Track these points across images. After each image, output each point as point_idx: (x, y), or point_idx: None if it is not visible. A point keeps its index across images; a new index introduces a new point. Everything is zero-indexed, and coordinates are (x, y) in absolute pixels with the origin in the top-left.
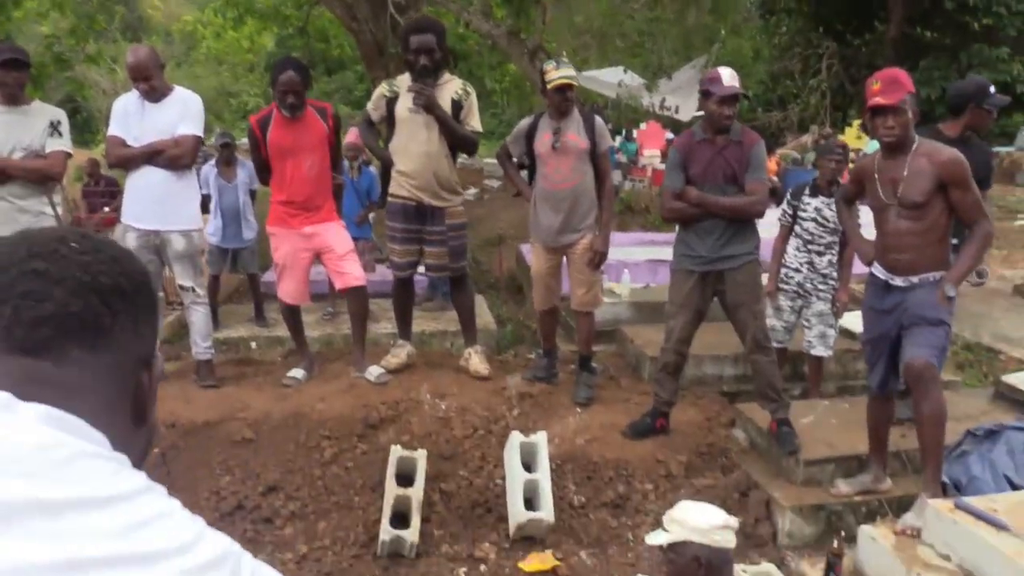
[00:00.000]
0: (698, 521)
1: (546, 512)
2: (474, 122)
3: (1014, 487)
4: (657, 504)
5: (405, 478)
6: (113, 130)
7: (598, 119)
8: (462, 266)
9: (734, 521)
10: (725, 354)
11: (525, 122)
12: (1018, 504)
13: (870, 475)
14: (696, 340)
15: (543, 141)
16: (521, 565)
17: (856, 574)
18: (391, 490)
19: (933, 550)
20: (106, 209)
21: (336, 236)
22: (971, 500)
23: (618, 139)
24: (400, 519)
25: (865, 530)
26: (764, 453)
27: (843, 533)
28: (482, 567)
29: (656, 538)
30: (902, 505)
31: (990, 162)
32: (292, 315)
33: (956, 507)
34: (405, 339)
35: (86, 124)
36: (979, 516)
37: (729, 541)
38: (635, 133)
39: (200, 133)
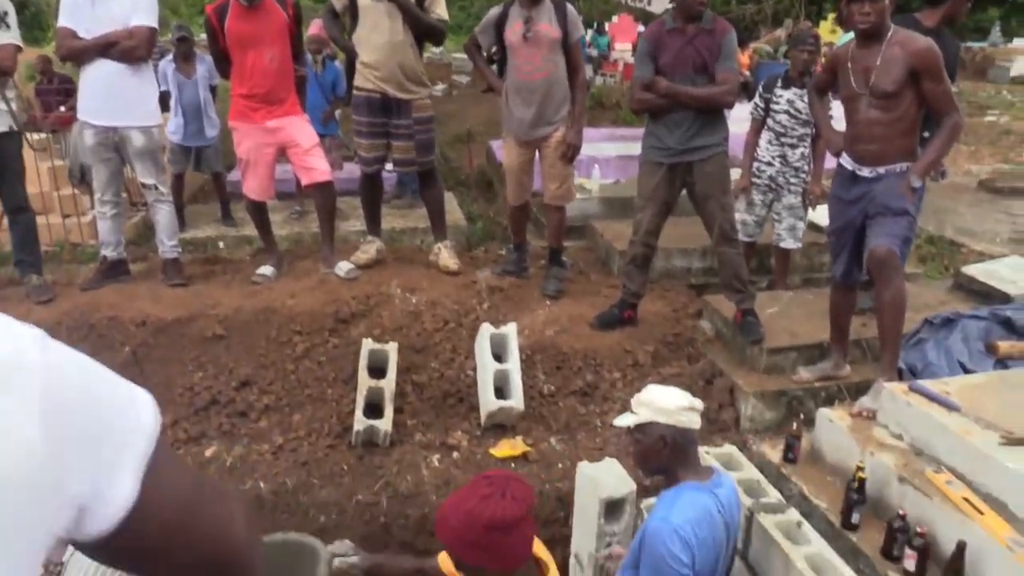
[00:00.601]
0: (664, 402)
1: (516, 400)
2: (439, 10)
3: (967, 372)
4: (624, 392)
5: (377, 370)
6: (63, 22)
7: (570, 8)
8: (430, 160)
9: (699, 403)
10: (693, 247)
11: (495, 11)
12: (970, 387)
13: (830, 362)
14: (664, 233)
15: (514, 30)
16: (492, 451)
17: (813, 454)
18: (363, 382)
19: (887, 430)
20: (61, 108)
21: (300, 130)
22: (925, 383)
23: (589, 32)
24: (373, 410)
25: (823, 413)
26: (729, 342)
27: (802, 416)
28: (455, 454)
29: (624, 420)
30: (860, 390)
31: (957, 55)
32: (259, 212)
33: (910, 389)
34: (374, 235)
35: (35, 20)
36: (932, 398)
37: (693, 422)
38: (607, 27)
39: (154, 24)
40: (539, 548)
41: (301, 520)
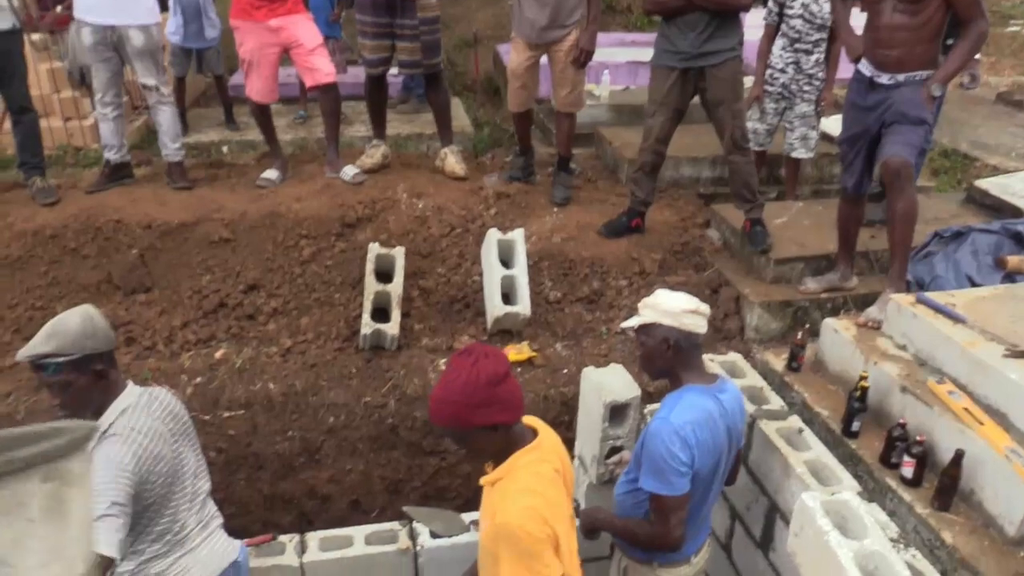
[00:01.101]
0: (669, 304)
1: (523, 306)
2: None
3: (975, 286)
4: (630, 299)
5: (384, 275)
6: None
7: None
8: (436, 63)
9: (705, 308)
10: (703, 156)
11: None
12: (976, 300)
13: (837, 273)
14: (674, 142)
15: None
16: None
17: (817, 363)
18: (370, 286)
19: (892, 341)
20: (59, 8)
21: (304, 29)
22: (932, 295)
23: None
24: (380, 314)
25: (828, 322)
26: (736, 252)
27: (807, 326)
28: None
29: (631, 321)
30: (866, 302)
31: None
32: (262, 114)
33: (917, 301)
34: (380, 139)
35: None
36: (938, 309)
37: (698, 326)
38: None
39: None
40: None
41: (311, 420)
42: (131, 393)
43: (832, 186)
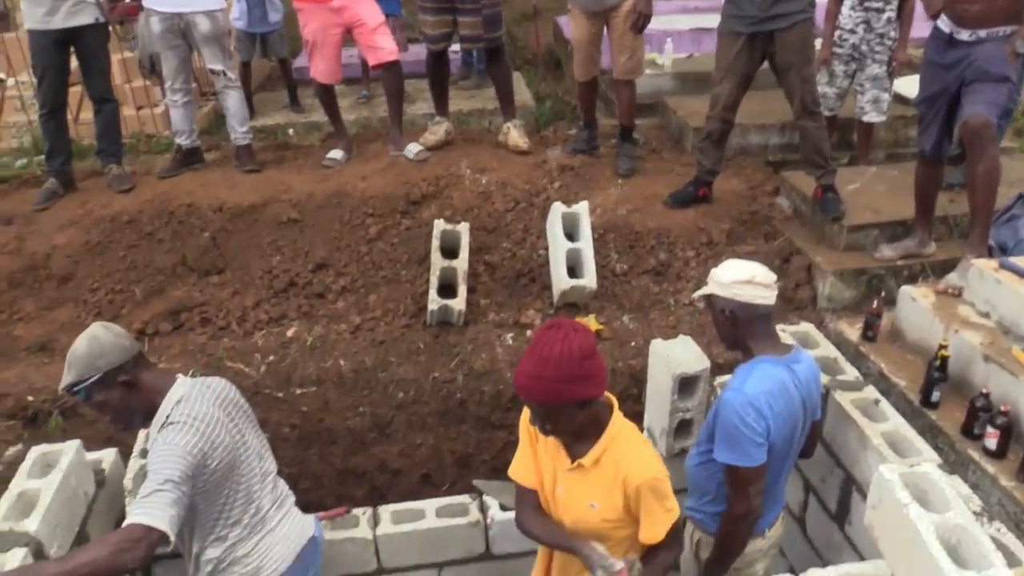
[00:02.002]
0: (721, 275)
1: (589, 279)
2: None
3: None
4: (698, 271)
5: (449, 251)
6: None
7: None
8: (497, 36)
9: (762, 277)
10: (771, 123)
11: None
12: None
13: (914, 240)
14: (742, 109)
15: None
16: None
17: (894, 333)
18: (436, 262)
19: (973, 308)
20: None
21: (366, 8)
22: (1015, 259)
23: None
24: (447, 290)
25: (906, 290)
26: (807, 220)
27: (883, 294)
28: (528, 332)
29: (697, 293)
30: (945, 269)
31: None
32: (327, 95)
33: (1000, 266)
34: (442, 116)
35: None
36: (1022, 275)
37: (755, 297)
38: None
39: None
40: None
41: (381, 396)
42: (182, 384)
43: (908, 150)
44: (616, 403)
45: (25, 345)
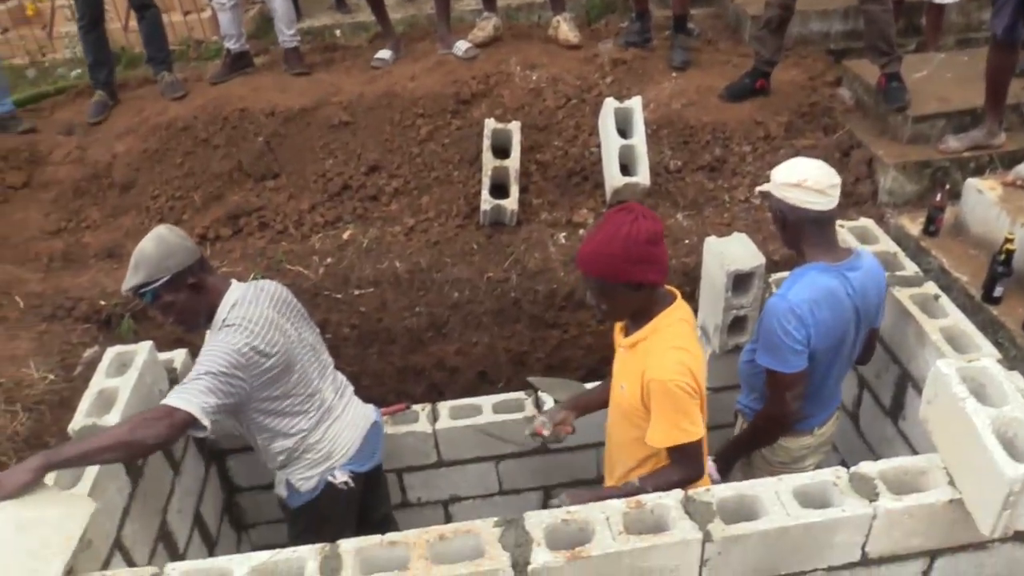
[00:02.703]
0: (777, 175)
1: (642, 176)
2: None
3: None
4: (754, 166)
5: (501, 150)
6: None
7: None
8: None
9: (816, 182)
10: (833, 8)
11: None
12: None
13: (983, 130)
14: None
15: None
16: None
17: (957, 227)
18: (488, 162)
19: None
20: None
21: None
22: None
23: None
24: (499, 190)
25: (971, 182)
26: (870, 111)
27: (947, 187)
28: (581, 231)
29: (758, 187)
30: (1014, 160)
31: None
32: None
33: None
34: (490, 11)
35: None
36: None
37: (803, 200)
38: None
39: None
40: None
41: (436, 296)
42: (237, 288)
43: (980, 34)
44: (680, 298)
45: (94, 252)
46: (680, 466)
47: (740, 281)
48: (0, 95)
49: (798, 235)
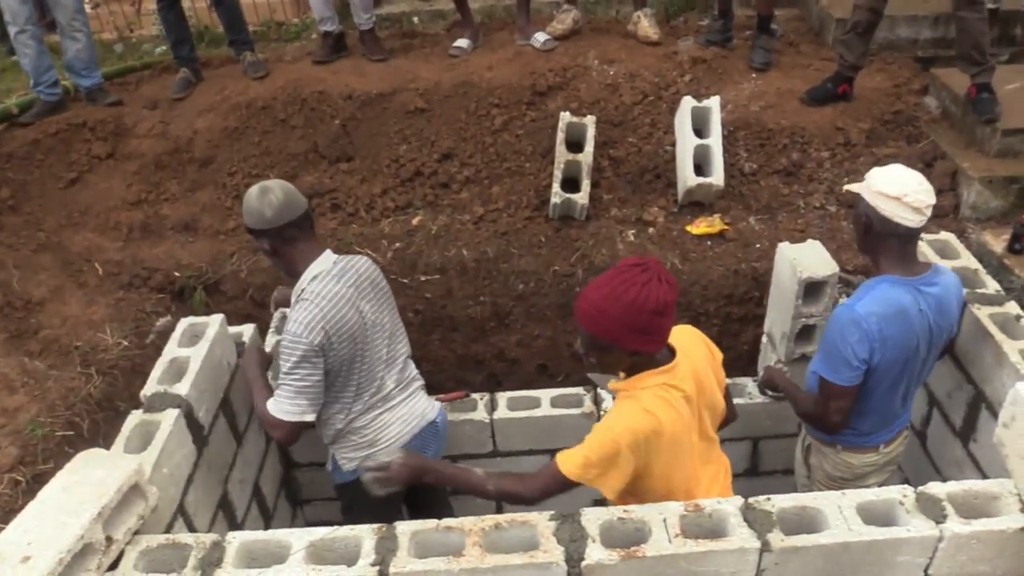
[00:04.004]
0: (872, 180)
1: (716, 178)
2: None
3: None
4: (832, 172)
5: (574, 144)
6: None
7: None
8: None
9: (915, 198)
10: (924, 14)
11: None
12: None
13: None
14: None
15: None
16: (689, 228)
17: None
18: (561, 155)
19: None
20: None
21: None
22: None
23: None
24: (570, 184)
25: None
26: (957, 122)
27: None
28: (650, 230)
29: (850, 185)
30: None
31: None
32: None
33: None
34: (570, 3)
35: None
36: None
37: (896, 215)
38: None
39: None
40: (676, 337)
41: (501, 286)
42: (326, 260)
43: None
44: (682, 355)
45: (171, 224)
46: (530, 482)
47: (812, 289)
48: (91, 68)
49: (878, 245)
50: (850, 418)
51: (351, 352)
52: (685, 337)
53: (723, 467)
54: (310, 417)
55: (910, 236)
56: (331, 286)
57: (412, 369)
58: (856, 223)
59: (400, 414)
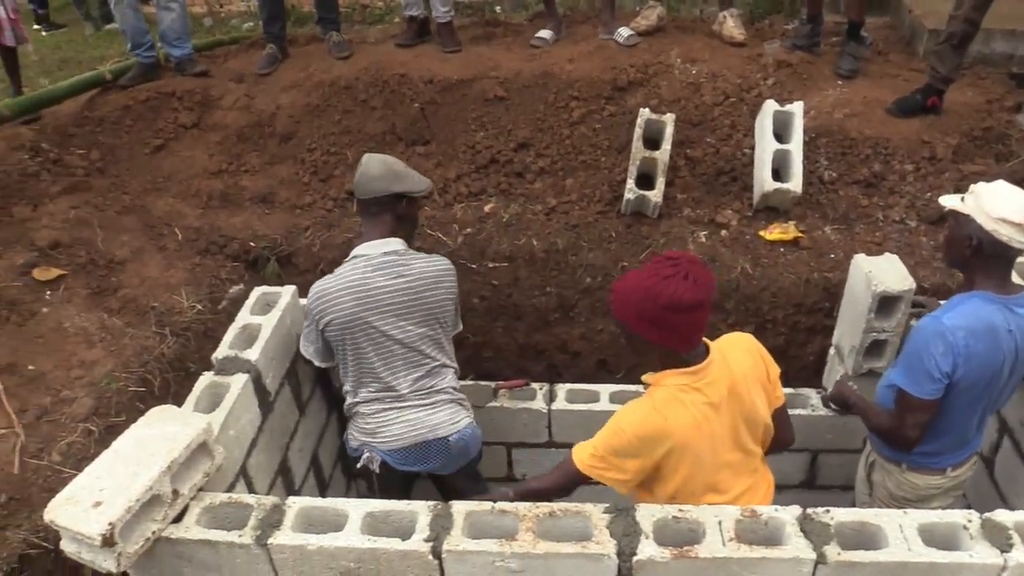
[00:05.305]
0: (992, 204)
1: (794, 184)
2: None
3: None
4: (915, 186)
5: (651, 141)
6: None
7: None
8: None
9: None
10: (1022, 29)
11: None
12: None
13: None
14: (990, 11)
15: None
16: (762, 233)
17: None
18: (638, 151)
19: None
20: None
21: None
22: None
23: None
24: (645, 180)
25: None
26: None
27: None
28: (723, 232)
29: (948, 200)
30: None
31: None
32: None
33: None
34: (655, 0)
35: None
36: None
37: (1012, 239)
38: None
39: None
40: (725, 342)
41: (568, 279)
42: (375, 247)
43: None
44: (718, 361)
45: (249, 195)
46: (548, 476)
47: (886, 304)
48: (182, 39)
49: (981, 264)
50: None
51: (341, 338)
52: (736, 345)
53: (765, 482)
54: (316, 360)
55: (1013, 257)
56: (350, 273)
57: (444, 382)
58: (958, 243)
59: (408, 418)
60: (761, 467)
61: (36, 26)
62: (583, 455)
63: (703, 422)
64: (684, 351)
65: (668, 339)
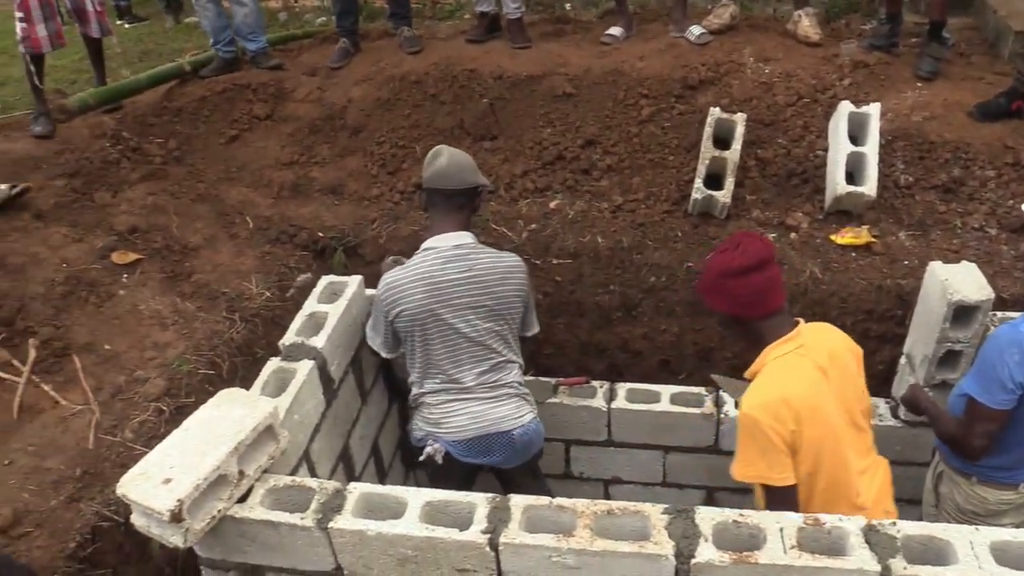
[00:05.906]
0: None
1: (868, 187)
2: None
3: None
4: (996, 193)
5: (721, 141)
6: None
7: None
8: None
9: None
10: None
11: None
12: None
13: None
14: None
15: None
16: (833, 237)
17: None
18: (707, 151)
19: None
20: None
21: None
22: None
23: None
24: (713, 180)
25: None
26: None
27: None
28: (792, 235)
29: None
30: None
31: None
32: None
33: None
34: None
35: None
36: None
37: None
38: None
39: None
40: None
41: (633, 277)
42: (446, 240)
43: None
44: (808, 329)
45: (319, 186)
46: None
47: (962, 313)
48: (257, 33)
49: None
50: (993, 449)
51: (410, 329)
52: (822, 327)
53: (881, 465)
54: (384, 352)
55: None
56: (421, 265)
57: (509, 376)
58: None
59: (473, 410)
60: (871, 444)
61: (119, 19)
62: (738, 467)
63: (820, 387)
64: (756, 314)
65: (734, 306)
